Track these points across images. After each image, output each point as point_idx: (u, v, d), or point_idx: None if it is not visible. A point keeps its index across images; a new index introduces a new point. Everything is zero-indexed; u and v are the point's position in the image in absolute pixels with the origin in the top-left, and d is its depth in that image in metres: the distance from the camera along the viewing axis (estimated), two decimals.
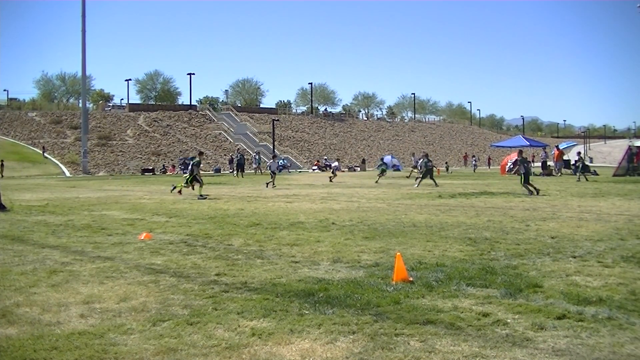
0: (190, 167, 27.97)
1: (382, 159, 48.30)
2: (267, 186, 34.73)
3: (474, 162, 74.40)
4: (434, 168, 36.20)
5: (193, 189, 28.00)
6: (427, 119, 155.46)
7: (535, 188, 26.99)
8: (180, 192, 28.22)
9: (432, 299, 7.75)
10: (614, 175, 47.42)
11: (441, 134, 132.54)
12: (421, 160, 37.82)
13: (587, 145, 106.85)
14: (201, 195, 26.10)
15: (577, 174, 42.15)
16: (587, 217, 17.34)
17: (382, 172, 44.06)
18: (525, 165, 28.00)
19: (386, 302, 7.53)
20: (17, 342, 6.14)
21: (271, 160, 37.28)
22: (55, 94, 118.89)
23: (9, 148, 70.31)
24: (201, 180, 27.46)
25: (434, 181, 35.68)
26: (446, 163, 74.96)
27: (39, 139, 76.79)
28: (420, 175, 36.55)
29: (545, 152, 57.93)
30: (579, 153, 48.09)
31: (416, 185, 34.92)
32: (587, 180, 40.24)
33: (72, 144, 76.41)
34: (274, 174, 36.35)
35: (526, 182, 27.19)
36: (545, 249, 11.58)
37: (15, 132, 79.86)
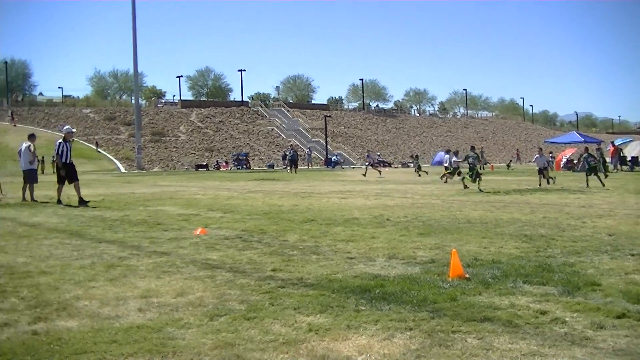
0: (472, 161, 29.90)
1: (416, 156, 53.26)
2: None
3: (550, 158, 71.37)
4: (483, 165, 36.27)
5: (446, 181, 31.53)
6: (479, 115, 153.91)
7: (587, 183, 30.01)
8: (465, 186, 29.75)
9: (489, 296, 7.68)
10: None
11: (494, 129, 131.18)
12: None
13: None
14: (480, 189, 27.77)
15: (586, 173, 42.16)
16: None
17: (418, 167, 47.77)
18: (589, 160, 31.56)
19: (442, 298, 7.47)
20: (77, 334, 6.22)
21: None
22: (108, 91, 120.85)
23: None
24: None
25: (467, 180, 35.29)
26: (510, 160, 75.90)
27: (94, 135, 78.03)
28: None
29: (599, 149, 56.95)
30: (598, 149, 48.24)
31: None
32: (603, 177, 39.91)
33: (126, 140, 77.50)
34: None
35: (592, 173, 30.88)
36: (603, 247, 11.36)
37: None
